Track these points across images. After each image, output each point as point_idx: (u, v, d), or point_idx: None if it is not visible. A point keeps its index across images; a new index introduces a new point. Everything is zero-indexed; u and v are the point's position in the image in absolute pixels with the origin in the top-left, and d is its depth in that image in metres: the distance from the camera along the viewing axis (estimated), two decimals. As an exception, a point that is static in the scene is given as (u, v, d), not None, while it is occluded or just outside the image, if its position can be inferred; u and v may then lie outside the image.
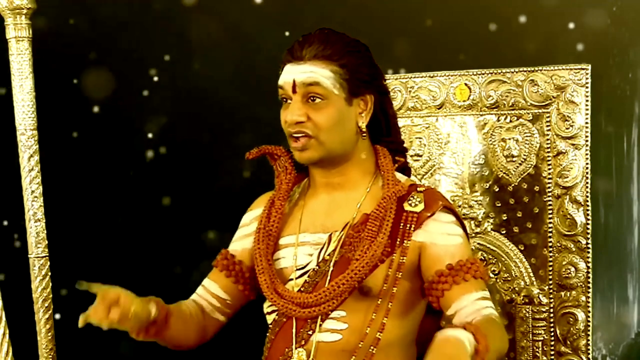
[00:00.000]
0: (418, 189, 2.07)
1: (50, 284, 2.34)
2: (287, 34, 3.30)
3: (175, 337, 2.12)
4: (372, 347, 2.00)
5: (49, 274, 2.34)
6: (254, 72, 3.34)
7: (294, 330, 2.05)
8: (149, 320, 2.01)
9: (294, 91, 2.03)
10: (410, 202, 2.05)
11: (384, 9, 3.34)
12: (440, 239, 2.03)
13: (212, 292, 2.18)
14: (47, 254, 2.34)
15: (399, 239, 2.03)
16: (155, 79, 3.53)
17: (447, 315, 2.03)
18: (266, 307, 2.11)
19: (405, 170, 2.19)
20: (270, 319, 2.11)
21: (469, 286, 1.99)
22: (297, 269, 2.07)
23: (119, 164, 3.56)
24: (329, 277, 2.03)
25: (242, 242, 2.19)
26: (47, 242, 2.34)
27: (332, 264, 2.04)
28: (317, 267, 2.05)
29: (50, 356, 2.34)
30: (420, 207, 2.04)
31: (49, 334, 2.34)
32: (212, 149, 3.50)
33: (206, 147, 3.49)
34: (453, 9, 3.29)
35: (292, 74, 2.03)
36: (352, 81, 2.03)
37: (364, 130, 2.07)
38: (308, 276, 2.05)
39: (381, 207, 2.02)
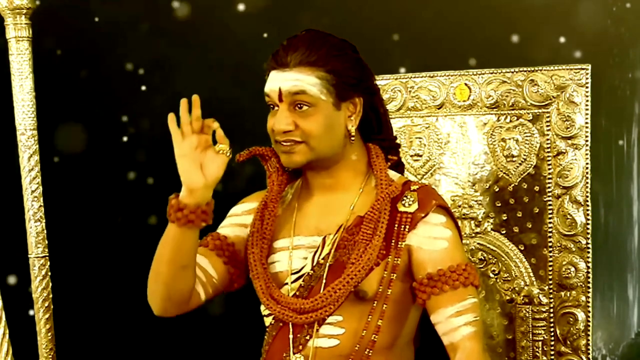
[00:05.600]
0: (412, 187, 2.05)
1: (50, 284, 2.35)
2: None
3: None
4: (368, 350, 1.98)
5: (49, 274, 2.34)
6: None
7: (291, 336, 2.03)
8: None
9: (281, 99, 1.99)
10: (404, 202, 2.02)
11: (383, 8, 3.34)
12: (426, 243, 2.00)
13: (200, 265, 2.05)
14: (47, 254, 2.34)
15: (393, 241, 2.00)
16: (155, 79, 3.53)
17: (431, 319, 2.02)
18: (264, 309, 2.09)
19: (399, 166, 2.16)
20: (267, 321, 2.09)
21: (446, 299, 1.97)
22: (292, 273, 2.05)
23: (119, 164, 3.56)
24: (323, 281, 2.01)
25: (232, 229, 2.13)
26: (47, 242, 2.34)
27: (326, 267, 2.01)
28: (312, 271, 2.03)
29: (50, 356, 2.34)
30: (414, 207, 2.01)
31: (49, 334, 2.34)
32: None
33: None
34: (453, 9, 3.29)
35: (277, 81, 1.99)
36: (340, 85, 1.99)
37: (354, 134, 2.04)
38: (303, 280, 2.03)
39: (375, 209, 2.00)
